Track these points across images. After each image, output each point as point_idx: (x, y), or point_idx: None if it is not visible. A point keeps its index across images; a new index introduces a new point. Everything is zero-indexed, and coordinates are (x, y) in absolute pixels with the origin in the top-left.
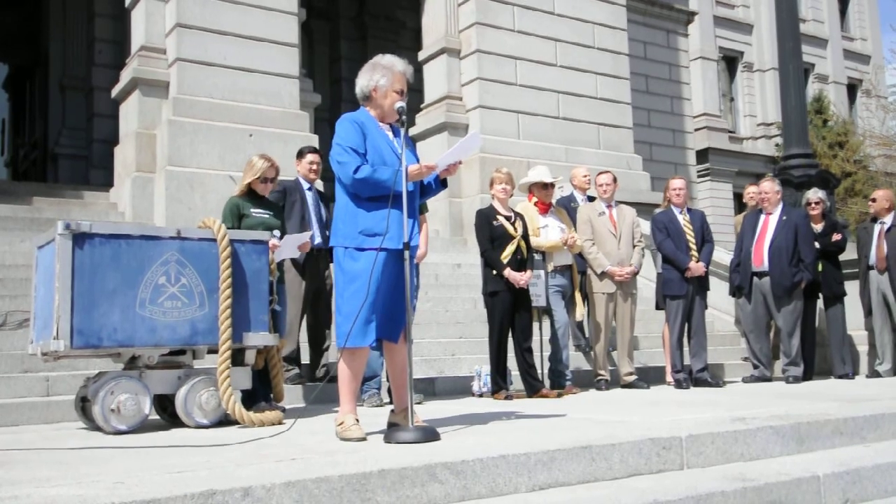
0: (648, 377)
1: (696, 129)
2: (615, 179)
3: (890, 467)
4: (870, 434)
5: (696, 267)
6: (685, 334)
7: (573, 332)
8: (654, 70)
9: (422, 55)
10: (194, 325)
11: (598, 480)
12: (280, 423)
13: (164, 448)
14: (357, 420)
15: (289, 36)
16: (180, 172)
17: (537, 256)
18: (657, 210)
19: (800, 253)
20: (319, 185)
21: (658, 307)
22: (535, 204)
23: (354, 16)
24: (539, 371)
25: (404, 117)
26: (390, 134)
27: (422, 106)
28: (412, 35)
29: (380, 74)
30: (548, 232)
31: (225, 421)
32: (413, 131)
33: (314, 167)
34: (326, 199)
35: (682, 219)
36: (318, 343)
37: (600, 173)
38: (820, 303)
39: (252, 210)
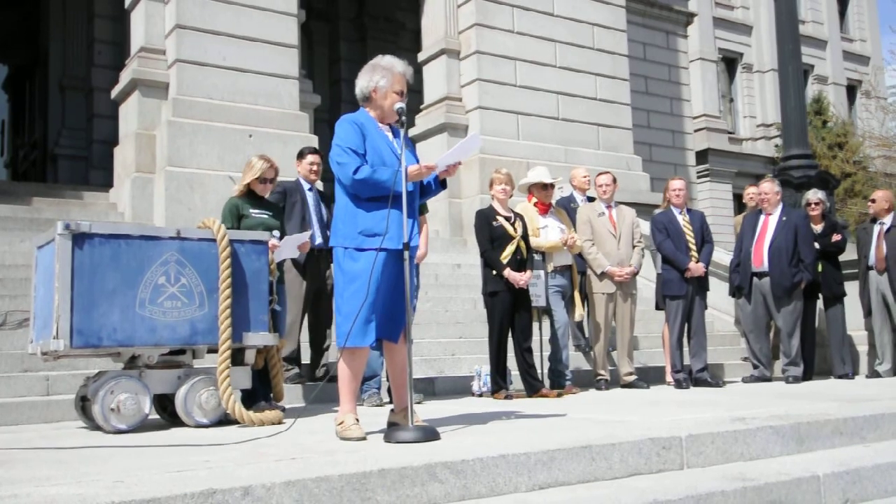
0: (648, 377)
1: (696, 130)
2: (615, 180)
3: (890, 467)
4: (870, 434)
5: (695, 267)
6: (685, 334)
7: (573, 332)
8: (653, 71)
9: (421, 56)
10: (194, 324)
11: (597, 480)
12: (280, 422)
13: (163, 447)
14: (357, 420)
15: (288, 37)
16: (180, 173)
17: (537, 257)
18: (657, 210)
19: (800, 253)
20: (319, 185)
21: (658, 307)
22: (535, 204)
23: (354, 17)
24: (539, 371)
25: (404, 118)
26: (390, 135)
27: (421, 107)
28: (412, 36)
29: (379, 75)
30: (547, 232)
31: (225, 420)
32: (413, 132)
33: (314, 168)
34: (327, 199)
35: (682, 219)
36: (318, 343)
37: (600, 174)
38: (820, 303)
39: (251, 210)
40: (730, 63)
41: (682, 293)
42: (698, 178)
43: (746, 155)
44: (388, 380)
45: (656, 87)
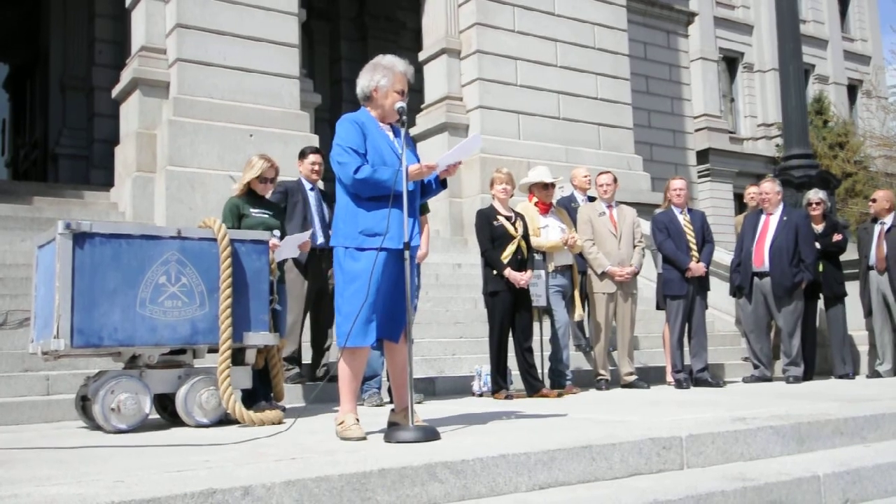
0: (649, 377)
1: (697, 130)
2: (615, 180)
3: (890, 467)
4: (870, 434)
5: (696, 267)
6: (685, 334)
7: (573, 332)
8: (654, 71)
9: (422, 56)
10: (195, 324)
11: (598, 480)
12: (280, 422)
13: (163, 447)
14: (357, 419)
15: (289, 36)
16: (181, 172)
17: (538, 256)
18: (657, 210)
19: (800, 253)
20: (321, 185)
21: (658, 307)
22: (536, 204)
23: (355, 16)
24: (539, 371)
25: (405, 117)
26: (391, 134)
27: (422, 106)
28: (412, 35)
29: (381, 75)
30: (548, 232)
31: (225, 420)
32: (413, 131)
33: (316, 168)
34: (329, 199)
35: (683, 219)
36: (319, 343)
37: (600, 173)
38: (820, 303)
39: (252, 210)
40: (731, 62)
41: (683, 293)
42: (699, 177)
43: (747, 155)
44: (388, 379)
45: (657, 86)
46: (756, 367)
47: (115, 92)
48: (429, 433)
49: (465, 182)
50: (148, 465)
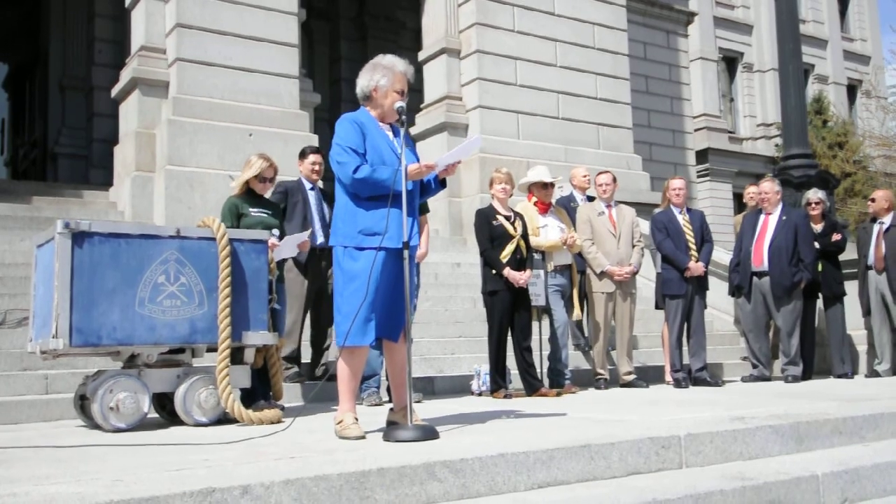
0: (647, 376)
1: (696, 130)
2: (615, 179)
3: (889, 467)
4: (869, 433)
5: (695, 267)
6: (684, 334)
7: (572, 331)
8: (653, 70)
9: (422, 55)
10: (193, 323)
11: (596, 479)
12: (279, 421)
13: (162, 446)
14: (356, 418)
15: (289, 36)
16: (180, 172)
17: (537, 256)
18: (657, 210)
19: (799, 253)
20: (320, 184)
21: (657, 307)
22: (535, 204)
23: (354, 16)
24: (538, 370)
25: (404, 117)
26: (390, 134)
27: (422, 106)
28: (412, 35)
29: (380, 74)
30: (547, 231)
31: (224, 419)
32: (413, 131)
33: (316, 167)
34: (329, 198)
35: (682, 219)
36: (319, 342)
37: (600, 173)
38: (819, 303)
39: (251, 209)
40: (730, 62)
41: (682, 292)
42: (698, 177)
43: (746, 154)
44: (387, 379)
45: (657, 86)
46: (755, 366)
47: (114, 91)
48: (428, 432)
49: (464, 181)
50: (146, 464)
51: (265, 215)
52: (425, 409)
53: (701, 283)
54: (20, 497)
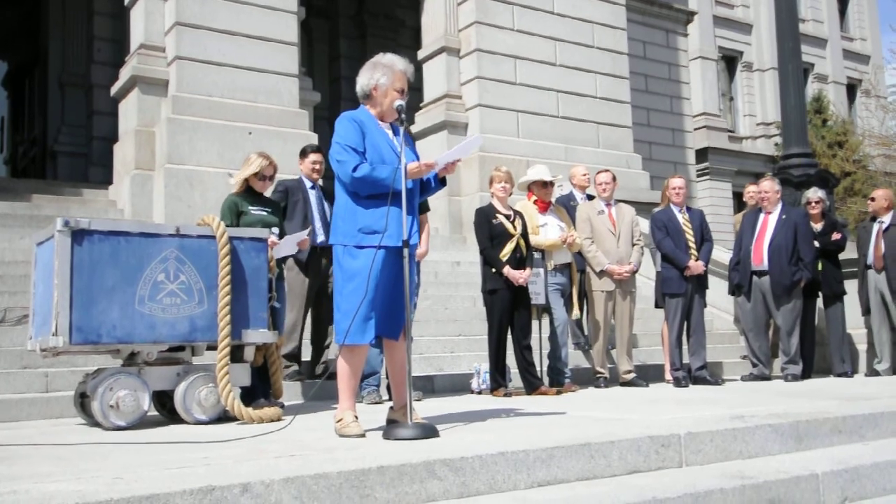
0: (647, 375)
1: (696, 129)
2: (614, 178)
3: (888, 465)
4: (868, 432)
5: (695, 265)
6: (684, 332)
7: (572, 330)
8: (653, 69)
9: (421, 54)
10: (193, 321)
11: (596, 478)
12: (279, 419)
13: (162, 444)
14: (356, 417)
15: (288, 34)
16: (179, 170)
17: (536, 255)
18: (656, 209)
19: (799, 252)
20: (321, 183)
21: (657, 305)
22: (535, 202)
23: (354, 14)
24: (538, 369)
25: (404, 116)
26: (390, 132)
27: (421, 104)
28: (412, 34)
29: (380, 73)
30: (547, 230)
31: (224, 417)
32: (413, 130)
33: (317, 166)
34: (330, 197)
35: (682, 217)
36: (319, 341)
37: (599, 172)
38: (819, 302)
39: (250, 208)
40: (730, 61)
41: (682, 291)
42: (698, 176)
43: (746, 153)
44: (387, 377)
45: (656, 85)
46: (755, 365)
47: (113, 90)
48: (427, 431)
49: (464, 180)
50: (147, 462)
51: (265, 213)
52: (425, 408)
53: (701, 282)
54: (21, 495)
